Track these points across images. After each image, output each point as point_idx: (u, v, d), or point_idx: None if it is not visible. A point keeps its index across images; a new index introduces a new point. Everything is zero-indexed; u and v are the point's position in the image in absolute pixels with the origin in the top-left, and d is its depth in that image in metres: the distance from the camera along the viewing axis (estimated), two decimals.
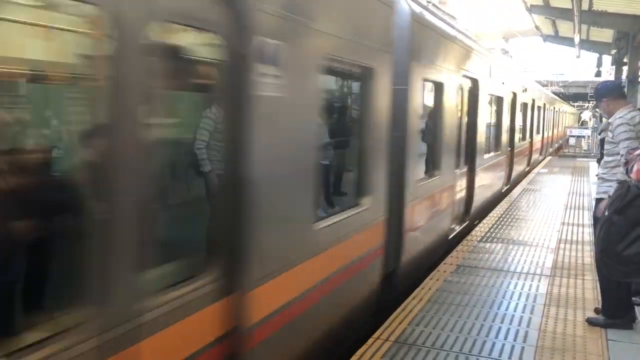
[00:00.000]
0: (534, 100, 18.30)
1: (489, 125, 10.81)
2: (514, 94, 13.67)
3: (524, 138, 16.68)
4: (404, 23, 5.74)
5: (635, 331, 4.84)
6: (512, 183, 14.06)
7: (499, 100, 11.82)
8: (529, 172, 17.78)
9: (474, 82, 8.93)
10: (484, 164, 9.98)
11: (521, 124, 16.10)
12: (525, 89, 15.89)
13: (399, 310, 5.26)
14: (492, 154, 11.12)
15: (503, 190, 12.81)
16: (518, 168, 15.40)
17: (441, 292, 5.80)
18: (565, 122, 39.85)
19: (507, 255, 7.33)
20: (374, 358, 4.26)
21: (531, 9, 17.63)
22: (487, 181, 10.57)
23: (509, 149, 13.42)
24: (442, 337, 4.67)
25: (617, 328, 4.87)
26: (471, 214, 9.09)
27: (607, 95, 5.30)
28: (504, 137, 12.52)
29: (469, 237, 8.28)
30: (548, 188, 14.13)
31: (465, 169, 8.72)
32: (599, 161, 18.17)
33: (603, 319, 4.99)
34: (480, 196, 9.72)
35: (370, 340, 4.56)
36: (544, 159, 23.82)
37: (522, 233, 8.69)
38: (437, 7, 8.79)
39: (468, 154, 8.87)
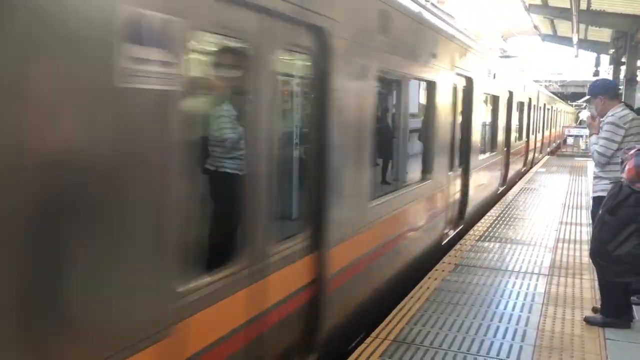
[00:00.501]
0: (511, 94, 13.09)
1: (405, 133, 6.20)
2: (470, 81, 8.67)
3: (493, 147, 11.51)
4: None
5: (633, 330, 4.85)
6: (472, 215, 9.34)
7: (430, 88, 6.84)
8: (507, 190, 13.10)
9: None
10: (396, 205, 5.70)
11: (491, 127, 11.43)
12: (495, 74, 10.65)
13: (397, 309, 5.26)
14: (422, 183, 6.59)
15: (443, 244, 7.74)
16: (486, 189, 10.82)
17: (439, 291, 5.80)
18: (562, 122, 37.50)
19: (505, 255, 7.34)
20: (372, 357, 4.26)
21: (530, 8, 17.66)
22: (410, 231, 6.26)
23: (461, 168, 8.59)
24: (441, 336, 4.68)
25: (615, 327, 4.88)
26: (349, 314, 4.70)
27: (604, 93, 5.35)
28: (447, 152, 7.59)
29: (467, 237, 8.28)
30: (546, 187, 14.14)
31: (360, 226, 4.74)
32: None
33: (601, 318, 5.00)
34: (397, 262, 5.89)
35: (368, 339, 4.57)
36: (530, 168, 18.52)
37: (520, 232, 8.69)
38: (435, 7, 8.79)
39: (369, 189, 4.90)
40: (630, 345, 4.57)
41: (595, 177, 5.46)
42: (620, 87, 18.04)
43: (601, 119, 5.30)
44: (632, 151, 4.27)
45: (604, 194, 4.94)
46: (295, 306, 3.87)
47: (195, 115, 2.84)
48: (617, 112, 5.15)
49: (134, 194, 2.35)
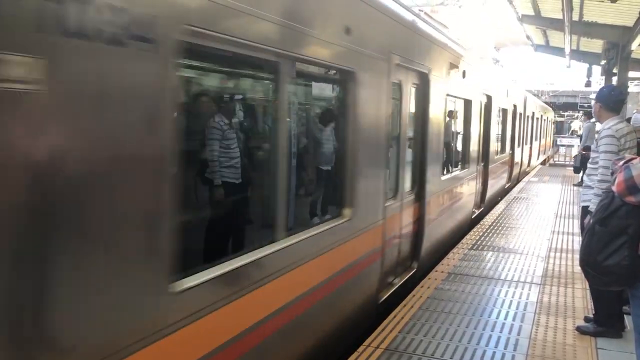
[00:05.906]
0: (490, 98, 10.71)
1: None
2: (424, 78, 6.76)
3: (448, 168, 8.61)
4: None
5: (625, 340, 4.86)
6: (434, 252, 7.59)
7: (345, 80, 4.70)
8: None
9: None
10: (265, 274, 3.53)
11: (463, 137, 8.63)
12: (466, 73, 7.58)
13: (390, 317, 5.25)
14: (321, 229, 4.36)
15: (381, 302, 5.72)
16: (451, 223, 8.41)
17: (432, 299, 5.80)
18: (548, 132, 32.52)
19: (498, 263, 7.35)
20: None
21: (522, 18, 17.78)
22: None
23: (413, 194, 6.70)
24: (433, 344, 4.67)
25: (607, 337, 4.90)
26: None
27: (603, 102, 5.26)
28: (381, 175, 5.54)
29: (459, 245, 8.29)
30: (538, 196, 14.20)
31: None
32: (576, 170, 17.78)
33: (593, 327, 5.02)
34: None
35: (361, 348, 4.55)
36: (495, 202, 13.23)
37: (513, 241, 8.71)
38: (428, 16, 8.84)
39: None
40: (622, 355, 4.58)
41: (584, 187, 5.48)
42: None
43: (597, 130, 5.28)
44: (621, 162, 4.26)
45: (587, 204, 5.00)
46: None
47: None
48: (612, 124, 5.08)
49: None
